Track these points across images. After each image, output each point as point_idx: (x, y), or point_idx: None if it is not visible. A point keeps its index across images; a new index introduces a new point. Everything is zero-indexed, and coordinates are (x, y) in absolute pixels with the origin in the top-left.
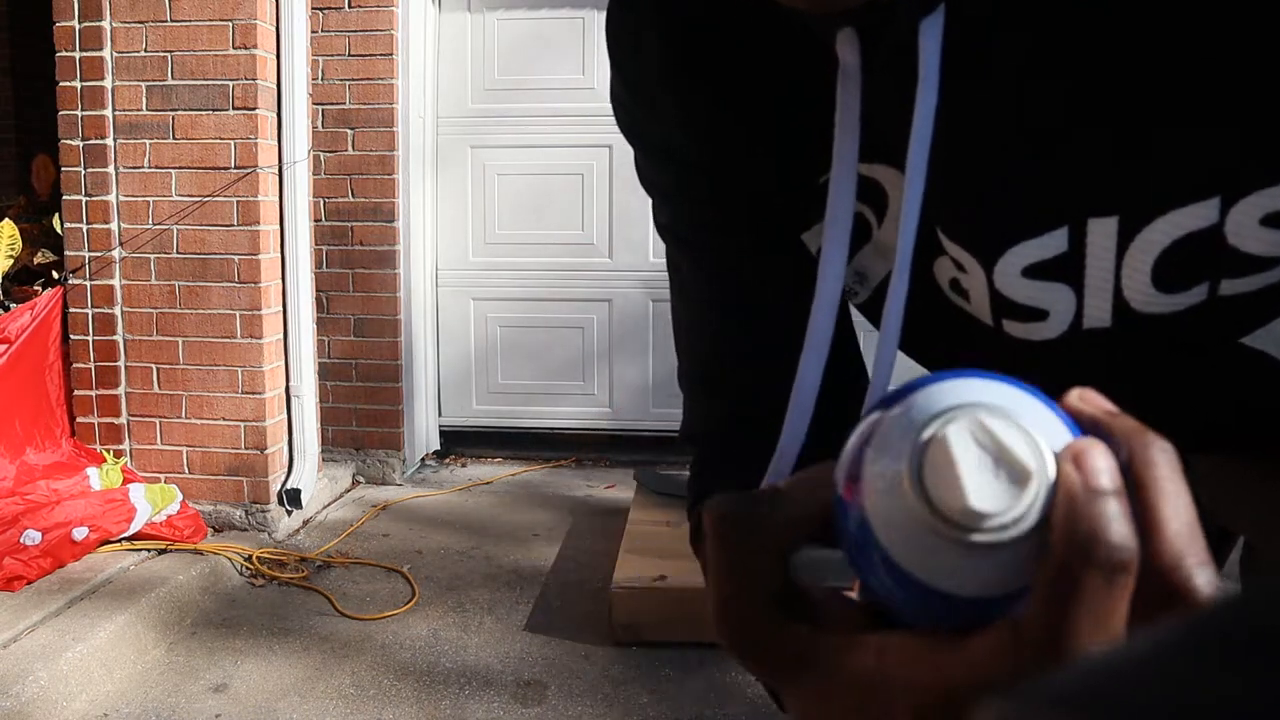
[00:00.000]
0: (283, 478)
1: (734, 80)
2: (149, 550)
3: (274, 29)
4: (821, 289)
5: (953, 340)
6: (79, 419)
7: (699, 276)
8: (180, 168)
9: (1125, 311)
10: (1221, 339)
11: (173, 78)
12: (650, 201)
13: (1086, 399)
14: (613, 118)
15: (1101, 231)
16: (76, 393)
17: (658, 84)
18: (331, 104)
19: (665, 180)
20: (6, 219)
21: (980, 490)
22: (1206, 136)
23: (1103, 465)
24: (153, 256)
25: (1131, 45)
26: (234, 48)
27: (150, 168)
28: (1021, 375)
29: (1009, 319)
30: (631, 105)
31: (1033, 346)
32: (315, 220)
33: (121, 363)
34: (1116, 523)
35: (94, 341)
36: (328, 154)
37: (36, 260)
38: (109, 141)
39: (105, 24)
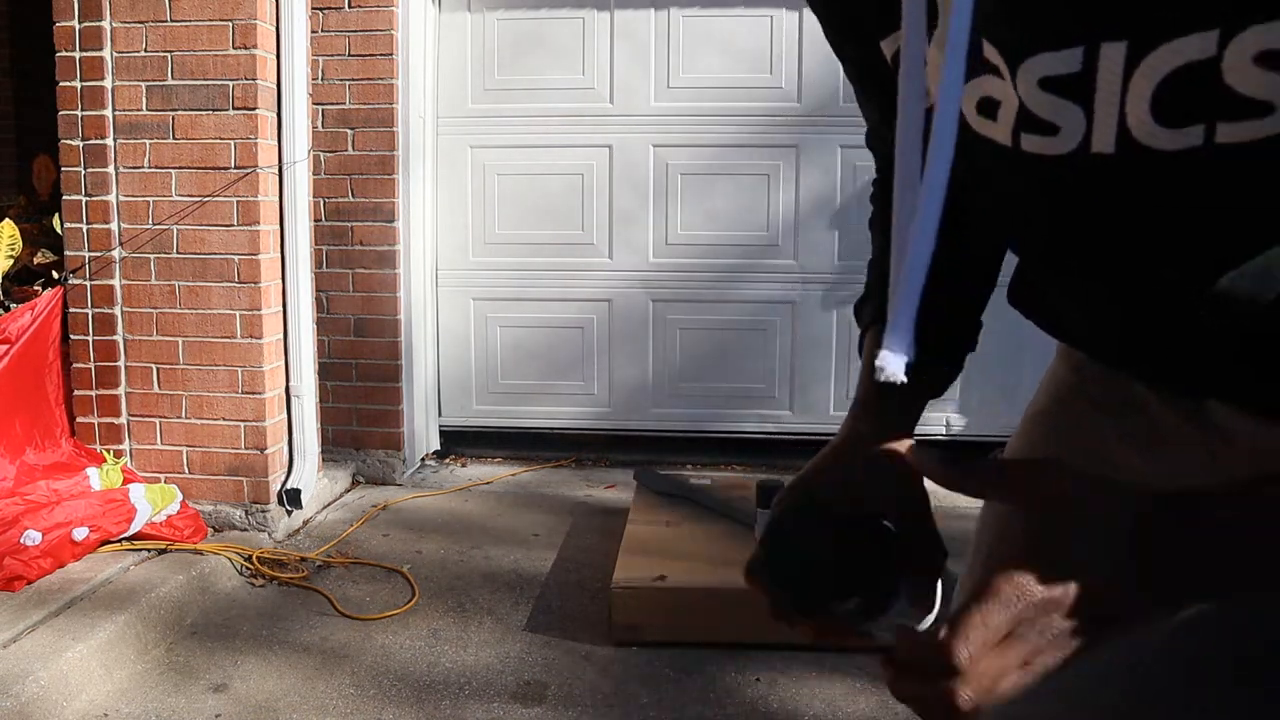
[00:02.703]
0: (283, 478)
1: None
2: (149, 550)
3: (274, 29)
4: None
5: (973, 167)
6: (79, 419)
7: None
8: (180, 168)
9: (1128, 140)
10: (1220, 208)
11: (173, 78)
12: (650, 201)
13: None
14: (612, 118)
15: (1111, 56)
16: (76, 393)
17: None
18: (331, 104)
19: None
20: (6, 219)
21: None
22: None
23: None
24: (153, 256)
25: None
26: (234, 48)
27: (150, 168)
28: (1029, 205)
29: (1026, 132)
30: None
31: (1043, 170)
32: (315, 220)
33: (121, 363)
34: None
35: (94, 341)
36: (328, 154)
37: (36, 260)
38: (109, 141)
39: (105, 24)
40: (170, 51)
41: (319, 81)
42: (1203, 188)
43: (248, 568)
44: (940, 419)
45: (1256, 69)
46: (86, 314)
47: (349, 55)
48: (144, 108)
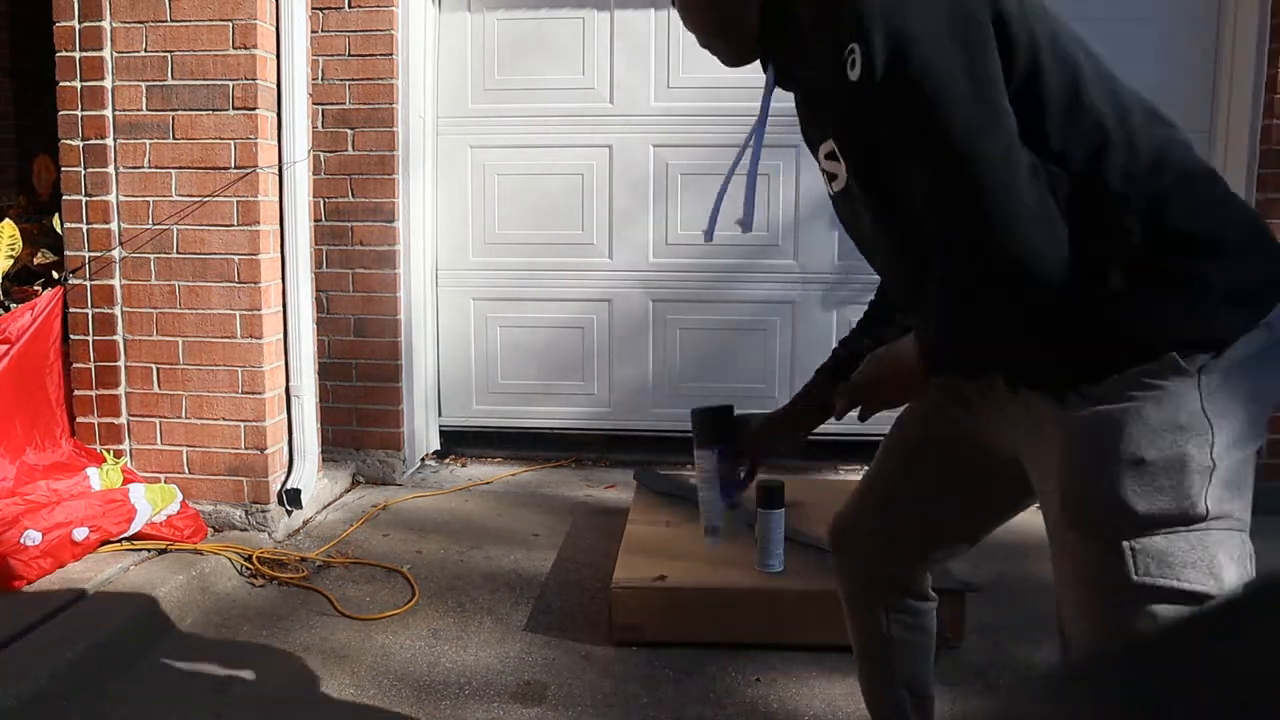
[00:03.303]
0: (283, 478)
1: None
2: (149, 550)
3: (274, 29)
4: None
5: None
6: (79, 419)
7: None
8: (180, 168)
9: (844, 182)
10: (885, 218)
11: (173, 78)
12: (650, 201)
13: None
14: (612, 118)
15: (832, 146)
16: (76, 393)
17: None
18: (331, 104)
19: None
20: (6, 219)
21: None
22: (819, 115)
23: None
24: (153, 256)
25: (803, 84)
26: (234, 48)
27: (150, 168)
28: (840, 211)
29: (829, 181)
30: None
31: (839, 196)
32: (315, 220)
33: (121, 363)
34: None
35: (94, 341)
36: (328, 154)
37: (36, 260)
38: (109, 141)
39: (105, 24)
40: (170, 51)
41: (319, 81)
42: (867, 212)
43: (248, 568)
44: None
45: (826, 160)
46: (86, 314)
47: (349, 55)
48: (144, 108)
